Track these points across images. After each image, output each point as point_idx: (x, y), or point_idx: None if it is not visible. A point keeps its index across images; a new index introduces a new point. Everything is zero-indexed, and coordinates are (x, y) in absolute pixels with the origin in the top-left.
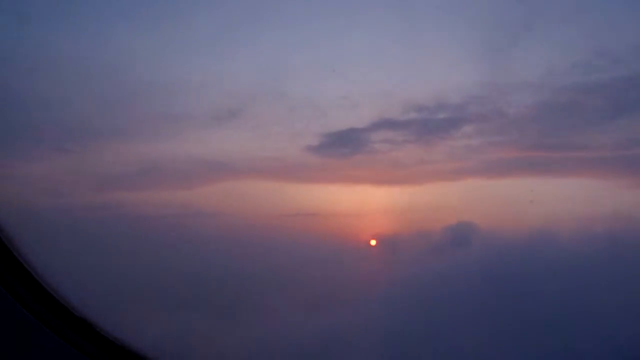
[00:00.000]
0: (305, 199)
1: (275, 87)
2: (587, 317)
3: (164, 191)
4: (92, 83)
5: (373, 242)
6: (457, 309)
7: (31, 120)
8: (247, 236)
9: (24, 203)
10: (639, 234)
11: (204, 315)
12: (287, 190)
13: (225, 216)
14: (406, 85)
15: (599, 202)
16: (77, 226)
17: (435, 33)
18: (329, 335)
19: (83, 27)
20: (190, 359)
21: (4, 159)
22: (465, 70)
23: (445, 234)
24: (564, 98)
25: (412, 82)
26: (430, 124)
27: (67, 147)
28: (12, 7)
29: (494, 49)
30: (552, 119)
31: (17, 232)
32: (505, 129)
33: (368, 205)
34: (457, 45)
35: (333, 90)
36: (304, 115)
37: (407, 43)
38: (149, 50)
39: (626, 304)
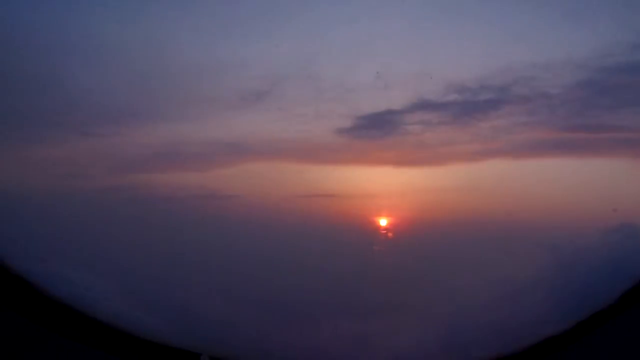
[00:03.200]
0: (325, 181)
1: (306, 69)
2: None
3: (184, 173)
4: (119, 65)
5: (384, 223)
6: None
7: (56, 105)
8: (260, 217)
9: (45, 187)
10: None
11: (219, 299)
12: (308, 172)
13: (240, 198)
14: (450, 66)
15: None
16: (97, 209)
17: (481, 10)
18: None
19: (108, 8)
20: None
21: (28, 143)
22: (514, 50)
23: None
24: (604, 78)
25: (456, 63)
26: (469, 106)
27: (92, 131)
28: None
29: (543, 27)
30: (589, 100)
31: (37, 216)
32: (544, 109)
33: (387, 186)
34: (506, 23)
35: (368, 71)
36: (335, 97)
37: (454, 22)
38: (177, 32)
39: None
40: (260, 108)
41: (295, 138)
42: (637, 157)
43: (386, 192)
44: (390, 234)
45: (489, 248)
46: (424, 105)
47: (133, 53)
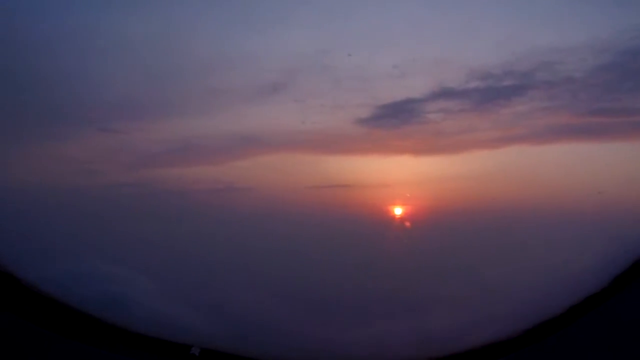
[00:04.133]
0: (341, 171)
1: (323, 59)
2: None
3: (199, 167)
4: (135, 60)
5: (400, 212)
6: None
7: (74, 100)
8: (274, 209)
9: (61, 183)
10: None
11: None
12: (323, 163)
13: (254, 190)
14: (473, 52)
15: None
16: (112, 205)
17: None
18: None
19: (123, 3)
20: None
21: (45, 139)
22: (537, 34)
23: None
24: (626, 61)
25: (479, 48)
26: (492, 92)
27: (109, 126)
28: None
29: (566, 9)
30: (611, 83)
31: (53, 211)
32: (566, 94)
33: (403, 175)
34: (528, 6)
35: (388, 60)
36: (354, 87)
37: (476, 7)
38: (193, 26)
39: None
40: (277, 100)
41: (312, 129)
42: None
43: (403, 180)
44: (406, 223)
45: (507, 235)
46: (445, 93)
47: (149, 47)
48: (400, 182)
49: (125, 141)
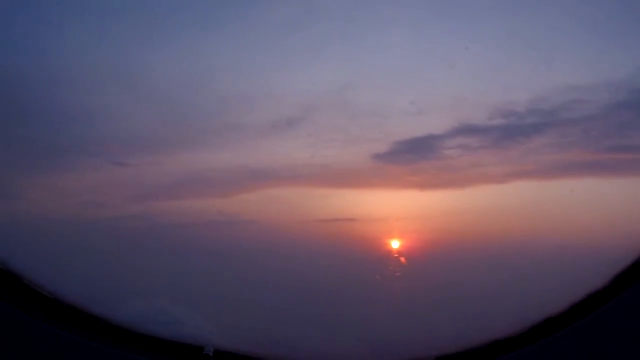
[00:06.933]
0: (347, 205)
1: (339, 96)
2: None
3: (204, 200)
4: (153, 95)
5: (397, 246)
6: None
7: (90, 134)
8: (275, 242)
9: (66, 215)
10: None
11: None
12: (330, 197)
13: (256, 223)
14: (498, 89)
15: None
16: (115, 237)
17: (531, 30)
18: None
19: (139, 39)
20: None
21: (58, 171)
22: (558, 72)
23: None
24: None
25: (504, 86)
26: (512, 130)
27: (123, 160)
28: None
29: (583, 48)
30: (625, 120)
31: (60, 242)
32: (581, 131)
33: (407, 209)
34: (551, 45)
35: (409, 96)
36: (371, 122)
37: (501, 45)
38: (211, 62)
39: None
40: (290, 134)
41: (322, 163)
42: None
43: (408, 214)
44: (403, 258)
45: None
46: (466, 130)
47: (167, 84)
48: (406, 215)
49: (136, 174)
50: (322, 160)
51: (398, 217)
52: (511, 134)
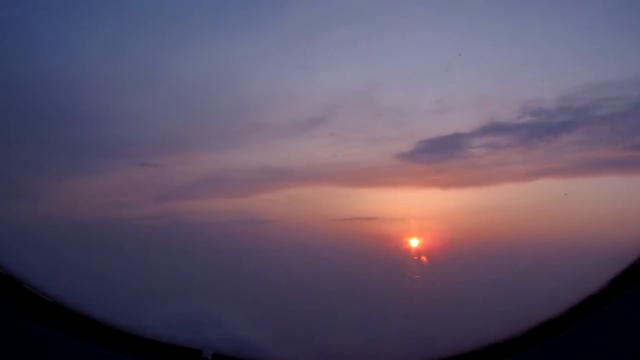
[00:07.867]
0: (369, 204)
1: (364, 96)
2: None
3: (225, 199)
4: (176, 96)
5: (417, 244)
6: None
7: (117, 136)
8: (294, 241)
9: (89, 216)
10: None
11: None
12: (352, 196)
13: (276, 223)
14: (527, 87)
15: None
16: (137, 237)
17: (561, 27)
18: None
19: (166, 40)
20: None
21: (83, 173)
22: (587, 68)
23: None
24: None
25: (533, 84)
26: (540, 128)
27: (149, 161)
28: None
29: (613, 44)
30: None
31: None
32: (609, 128)
33: (428, 208)
34: (585, 42)
35: (431, 95)
36: (396, 121)
37: (531, 42)
38: (237, 62)
39: None
40: (312, 134)
41: (344, 162)
42: None
43: (429, 213)
44: (424, 257)
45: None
46: (494, 129)
47: (190, 83)
48: (428, 214)
49: (159, 174)
50: (344, 159)
51: (420, 216)
52: (539, 132)
